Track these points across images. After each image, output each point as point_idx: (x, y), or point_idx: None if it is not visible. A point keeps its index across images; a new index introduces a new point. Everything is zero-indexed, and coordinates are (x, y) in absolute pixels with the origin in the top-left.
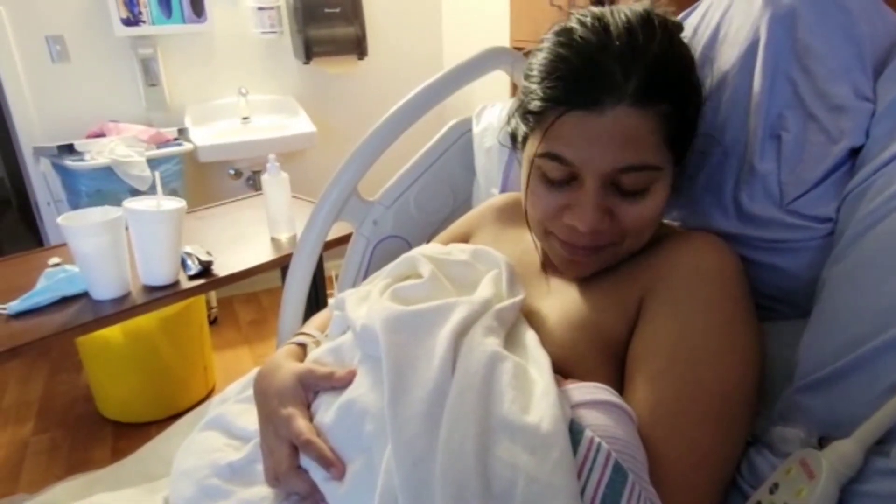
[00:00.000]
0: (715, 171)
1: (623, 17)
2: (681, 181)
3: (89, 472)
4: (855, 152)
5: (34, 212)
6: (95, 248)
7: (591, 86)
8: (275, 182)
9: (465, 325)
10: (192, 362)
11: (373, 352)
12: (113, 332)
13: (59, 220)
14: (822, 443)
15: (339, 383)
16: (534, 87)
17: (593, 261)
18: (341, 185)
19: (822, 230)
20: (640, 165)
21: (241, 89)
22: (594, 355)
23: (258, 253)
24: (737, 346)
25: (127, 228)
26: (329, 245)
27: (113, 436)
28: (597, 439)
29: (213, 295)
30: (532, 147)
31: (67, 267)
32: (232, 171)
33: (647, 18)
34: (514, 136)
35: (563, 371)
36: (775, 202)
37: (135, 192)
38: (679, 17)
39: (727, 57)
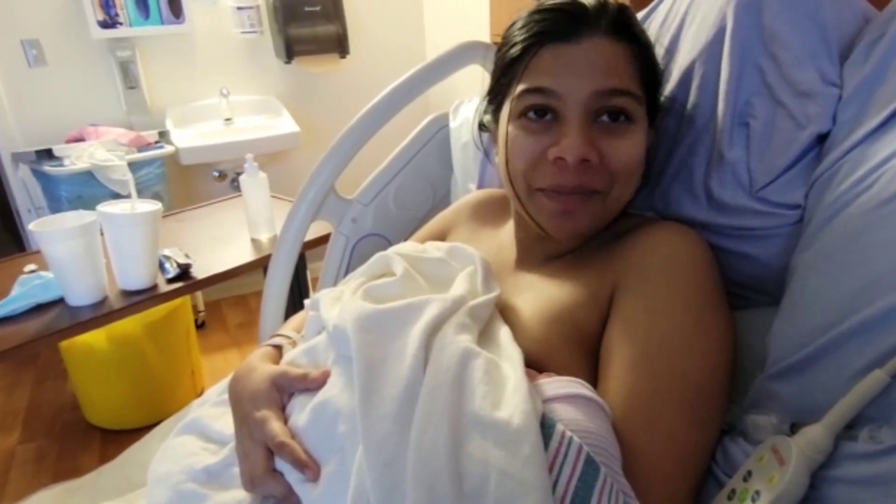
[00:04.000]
0: (685, 159)
1: None
2: (655, 149)
3: (70, 481)
4: (822, 138)
5: (15, 219)
6: (69, 254)
7: (567, 20)
8: (253, 182)
9: (437, 323)
10: (179, 367)
11: (345, 352)
12: (97, 339)
13: (31, 225)
14: (793, 429)
15: (312, 385)
16: (514, 40)
17: (583, 212)
18: (318, 184)
19: (792, 217)
20: (620, 89)
21: (223, 90)
22: (568, 349)
23: (238, 254)
24: (709, 335)
25: (102, 233)
26: (309, 245)
27: (101, 443)
28: (568, 433)
29: (200, 298)
30: (509, 106)
31: (43, 273)
32: (216, 174)
33: None
34: (496, 107)
35: (537, 365)
36: (745, 189)
37: (117, 197)
38: (648, 6)
39: (695, 45)
